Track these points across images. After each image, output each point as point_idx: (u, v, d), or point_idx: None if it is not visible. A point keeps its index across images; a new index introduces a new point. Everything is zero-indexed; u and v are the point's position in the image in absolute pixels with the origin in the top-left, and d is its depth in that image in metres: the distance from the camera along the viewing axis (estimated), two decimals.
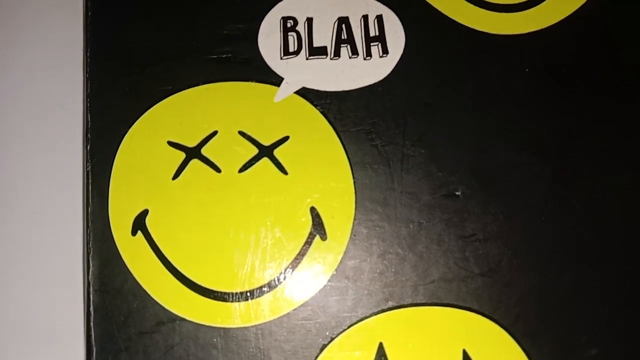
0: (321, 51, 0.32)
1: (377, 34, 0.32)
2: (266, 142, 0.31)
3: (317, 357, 0.30)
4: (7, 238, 0.34)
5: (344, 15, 0.32)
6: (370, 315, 0.30)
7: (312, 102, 0.31)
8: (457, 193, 0.31)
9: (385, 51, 0.32)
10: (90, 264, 0.30)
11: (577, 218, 0.30)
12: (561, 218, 0.30)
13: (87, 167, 0.31)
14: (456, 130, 0.31)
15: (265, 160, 0.31)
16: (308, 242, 0.30)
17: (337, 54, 0.32)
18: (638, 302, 0.30)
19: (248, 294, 0.30)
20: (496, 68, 0.31)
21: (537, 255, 0.30)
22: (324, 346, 0.30)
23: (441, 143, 0.31)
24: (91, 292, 0.30)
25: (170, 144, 0.31)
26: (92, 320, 0.30)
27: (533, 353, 0.30)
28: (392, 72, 0.31)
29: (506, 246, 0.30)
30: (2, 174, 0.34)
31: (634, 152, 0.31)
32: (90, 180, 0.31)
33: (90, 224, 0.31)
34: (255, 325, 0.30)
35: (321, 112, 0.31)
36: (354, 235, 0.30)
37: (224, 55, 0.32)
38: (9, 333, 0.34)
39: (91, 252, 0.30)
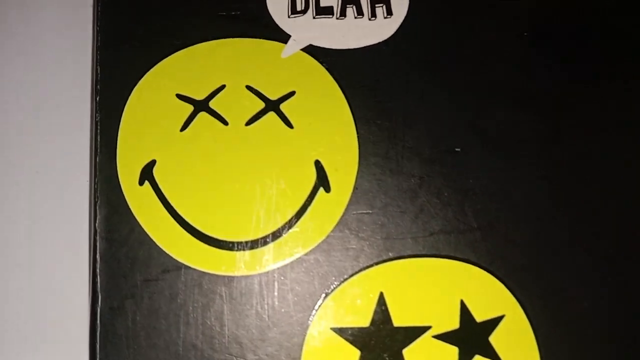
0: (328, 11, 0.31)
1: None
2: (273, 97, 0.30)
3: (319, 305, 0.29)
4: (10, 194, 0.34)
5: None
6: (372, 266, 0.29)
7: (318, 59, 0.30)
8: (456, 149, 0.31)
9: (389, 12, 0.31)
10: (97, 213, 0.29)
11: (572, 175, 0.30)
12: (557, 175, 0.30)
13: (96, 118, 0.30)
14: (457, 89, 0.30)
15: (271, 114, 0.30)
16: (312, 194, 0.29)
17: (343, 13, 0.31)
18: (628, 257, 0.30)
19: (253, 243, 0.29)
20: (496, 30, 0.31)
21: (533, 211, 0.30)
22: (327, 295, 0.29)
23: (442, 101, 0.30)
24: (97, 240, 0.29)
25: (179, 96, 0.30)
26: (97, 267, 0.29)
27: (527, 304, 0.29)
28: (395, 32, 0.31)
29: (504, 201, 0.30)
30: (6, 127, 0.34)
31: (628, 111, 0.30)
32: (99, 131, 0.30)
33: (97, 173, 0.30)
34: (260, 274, 0.29)
35: (327, 69, 0.30)
36: (357, 188, 0.30)
37: (232, 12, 0.31)
38: (11, 287, 0.33)
39: (98, 201, 0.29)
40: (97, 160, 0.29)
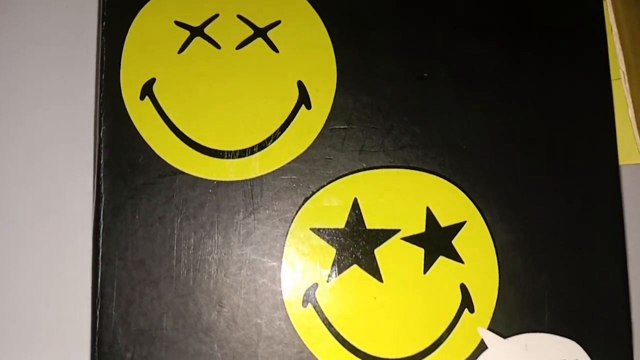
0: None
1: None
2: (261, 25, 0.32)
3: (300, 206, 0.32)
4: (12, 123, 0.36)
5: None
6: (347, 174, 0.32)
7: None
8: (424, 74, 0.34)
9: None
10: (102, 124, 0.32)
11: (528, 99, 0.33)
12: (514, 99, 0.33)
13: (102, 40, 0.32)
14: (425, 22, 0.33)
15: (259, 39, 0.32)
16: (295, 110, 0.32)
17: None
18: (579, 169, 0.32)
19: (241, 152, 0.32)
20: None
21: (492, 130, 0.32)
22: (307, 199, 0.32)
23: (412, 32, 0.33)
24: (102, 148, 0.32)
25: (177, 23, 0.32)
26: (101, 172, 0.32)
27: (486, 211, 0.32)
28: None
29: (466, 121, 0.32)
30: (12, 54, 0.36)
31: (582, 40, 0.33)
32: (104, 51, 0.32)
33: (103, 88, 0.32)
34: (247, 180, 0.32)
35: (309, 1, 0.33)
36: (335, 106, 0.32)
37: None
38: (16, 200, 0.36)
39: (103, 113, 0.32)
40: (103, 77, 0.32)
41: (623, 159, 0.35)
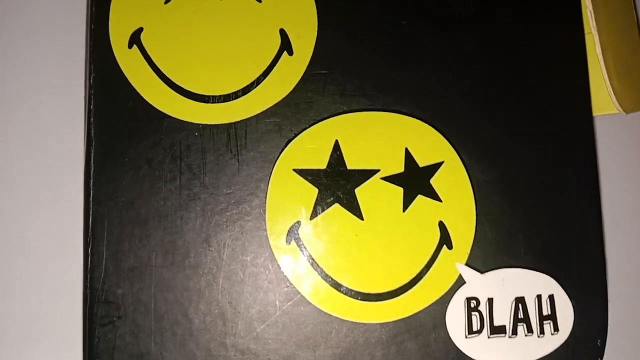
0: None
1: None
2: None
3: (283, 149, 0.32)
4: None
5: None
6: (328, 117, 0.33)
7: None
8: (402, 22, 0.34)
9: None
10: (92, 71, 0.33)
11: (504, 47, 0.34)
12: (493, 45, 0.34)
13: None
14: None
15: None
16: (277, 57, 0.33)
17: None
18: (556, 109, 0.34)
19: (225, 97, 0.32)
20: None
21: (469, 74, 0.33)
22: (289, 141, 0.33)
23: None
24: (92, 95, 0.33)
25: None
26: (92, 117, 0.32)
27: (462, 151, 0.33)
28: None
29: (444, 66, 0.33)
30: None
31: None
32: (94, 2, 0.33)
33: (92, 38, 0.33)
34: (232, 123, 0.32)
35: None
36: (317, 52, 0.33)
37: None
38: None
39: (93, 61, 0.33)
40: (92, 27, 0.33)
41: (597, 110, 0.36)
